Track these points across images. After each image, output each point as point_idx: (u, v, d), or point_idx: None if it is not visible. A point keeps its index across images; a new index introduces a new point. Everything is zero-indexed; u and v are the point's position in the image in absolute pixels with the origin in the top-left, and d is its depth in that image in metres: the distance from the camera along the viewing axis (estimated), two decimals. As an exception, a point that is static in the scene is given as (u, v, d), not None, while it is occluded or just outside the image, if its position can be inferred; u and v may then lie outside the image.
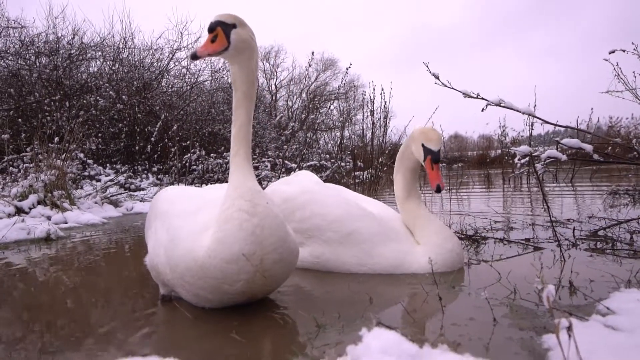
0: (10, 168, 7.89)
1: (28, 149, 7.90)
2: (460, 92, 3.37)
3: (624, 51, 4.74)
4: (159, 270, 2.29)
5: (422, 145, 2.72)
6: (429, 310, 2.04)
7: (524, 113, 3.18)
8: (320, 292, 2.57)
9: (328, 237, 2.87)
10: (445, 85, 3.54)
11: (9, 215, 5.72)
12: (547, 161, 2.79)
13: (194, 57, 2.06)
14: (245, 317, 2.09)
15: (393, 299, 2.26)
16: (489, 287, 2.31)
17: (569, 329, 1.36)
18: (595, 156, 2.75)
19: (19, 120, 10.42)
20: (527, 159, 3.00)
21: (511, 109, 3.23)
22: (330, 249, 2.88)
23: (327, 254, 2.89)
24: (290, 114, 19.70)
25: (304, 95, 24.56)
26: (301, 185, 3.10)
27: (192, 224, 2.15)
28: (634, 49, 4.84)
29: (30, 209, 6.01)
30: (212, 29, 2.06)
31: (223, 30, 2.04)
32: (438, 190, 2.66)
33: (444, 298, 2.16)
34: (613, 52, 4.81)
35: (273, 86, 28.00)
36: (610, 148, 7.09)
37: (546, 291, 1.43)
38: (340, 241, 2.83)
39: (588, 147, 2.75)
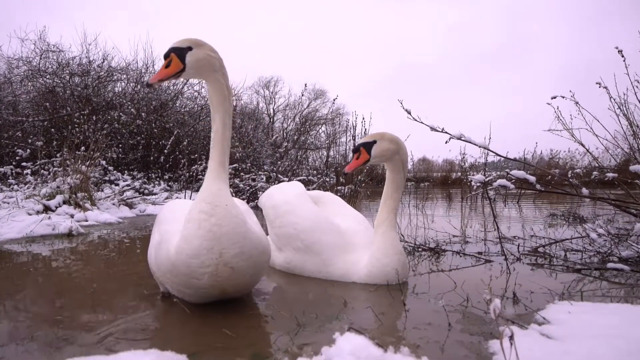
0: (42, 171, 7.73)
1: (58, 155, 7.76)
2: (428, 126, 3.39)
3: (563, 97, 4.85)
4: (152, 270, 2.26)
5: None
6: (394, 314, 2.02)
7: (480, 147, 3.21)
8: (301, 295, 2.52)
9: (297, 245, 2.83)
10: (415, 120, 3.56)
11: (38, 212, 5.58)
12: (497, 189, 2.81)
13: (148, 85, 2.01)
14: (235, 315, 2.05)
15: (364, 302, 2.24)
16: (446, 294, 2.31)
17: (511, 337, 1.36)
18: (538, 186, 2.78)
19: (52, 130, 10.24)
20: (481, 185, 3.02)
21: (469, 142, 3.25)
22: (298, 256, 2.84)
23: (295, 260, 2.86)
24: (284, 134, 19.68)
25: (297, 119, 24.61)
26: (285, 196, 3.05)
27: (174, 228, 2.10)
28: (572, 96, 4.96)
29: (56, 207, 5.86)
30: (166, 56, 2.00)
31: (177, 55, 1.99)
32: (344, 174, 2.63)
33: (407, 303, 2.15)
34: (555, 97, 4.90)
35: (271, 110, 28.04)
36: (549, 177, 7.19)
37: (493, 304, 1.42)
38: (305, 250, 2.79)
39: (532, 179, 2.78)
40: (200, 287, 1.96)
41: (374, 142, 2.53)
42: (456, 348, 1.60)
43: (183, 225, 1.98)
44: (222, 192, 2.00)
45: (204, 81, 2.19)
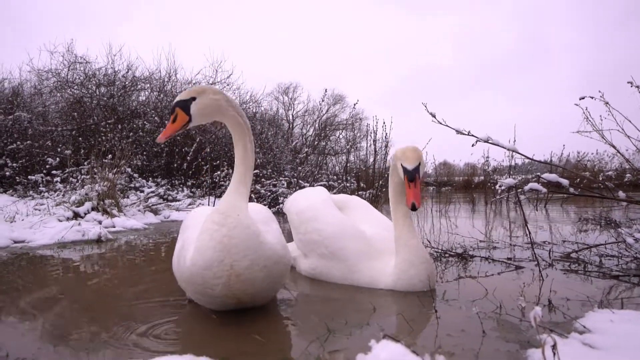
0: (71, 178, 7.96)
1: (86, 163, 7.98)
2: (454, 129, 3.33)
3: (592, 98, 4.70)
4: (175, 276, 2.28)
5: (401, 164, 2.42)
6: (425, 321, 1.97)
7: (508, 149, 3.13)
8: (329, 300, 2.49)
9: (322, 252, 2.80)
10: (441, 123, 3.50)
11: (68, 219, 5.74)
12: (528, 192, 2.73)
13: (157, 143, 2.06)
14: (263, 320, 2.04)
15: (394, 308, 2.20)
16: (477, 301, 2.25)
17: (554, 347, 1.31)
18: (571, 189, 2.69)
19: (80, 138, 10.56)
20: (510, 189, 2.95)
21: (497, 145, 3.18)
22: (323, 262, 2.82)
23: (320, 267, 2.84)
24: (304, 140, 19.75)
25: (316, 124, 24.68)
26: (309, 202, 3.03)
27: (194, 236, 2.12)
28: (601, 96, 4.81)
29: (85, 214, 6.02)
30: (171, 111, 2.07)
31: (182, 108, 2.05)
32: (413, 208, 2.31)
33: (438, 310, 2.10)
34: (583, 98, 4.75)
35: (290, 116, 28.19)
36: (579, 180, 6.98)
37: (533, 311, 1.37)
38: (330, 257, 2.76)
39: (564, 182, 2.69)
40: (215, 297, 1.97)
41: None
42: (492, 356, 1.55)
43: (197, 236, 2.01)
44: (237, 204, 2.02)
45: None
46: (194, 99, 2.06)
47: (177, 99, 2.07)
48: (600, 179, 6.18)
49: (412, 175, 2.37)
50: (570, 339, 1.61)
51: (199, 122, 2.12)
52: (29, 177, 8.73)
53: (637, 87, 4.34)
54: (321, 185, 10.34)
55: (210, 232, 1.93)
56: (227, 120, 2.15)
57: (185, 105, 2.05)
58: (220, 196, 9.53)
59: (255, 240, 1.95)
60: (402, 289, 2.48)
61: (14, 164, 9.41)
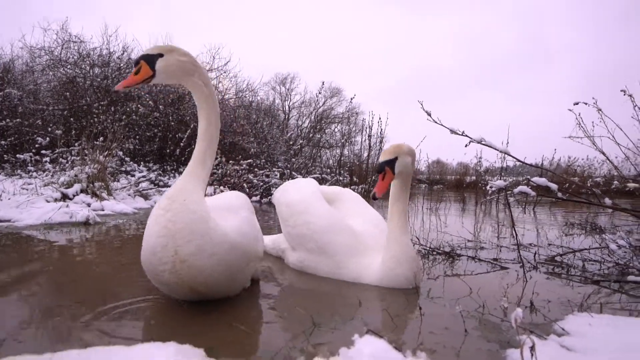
0: (60, 159, 7.87)
1: (76, 144, 7.90)
2: (448, 129, 3.35)
3: (586, 104, 4.75)
4: None
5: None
6: (410, 317, 2.00)
7: (501, 152, 3.16)
8: (316, 293, 2.51)
9: (310, 246, 2.81)
10: (436, 122, 3.52)
11: (56, 200, 5.68)
12: (517, 195, 2.77)
13: (114, 91, 2.02)
14: (249, 310, 2.06)
15: (379, 304, 2.23)
16: (461, 300, 2.28)
17: (532, 348, 1.34)
18: (559, 194, 2.73)
19: (71, 119, 10.42)
20: (500, 190, 2.98)
21: (490, 146, 3.21)
22: (311, 256, 2.83)
23: (308, 260, 2.85)
24: (299, 131, 19.69)
25: (312, 116, 24.62)
26: (300, 194, 3.02)
27: None
28: (594, 103, 4.86)
29: (74, 196, 5.96)
30: (136, 63, 2.01)
31: (147, 62, 1.99)
32: (373, 197, 2.39)
33: (423, 307, 2.13)
34: (577, 103, 4.81)
35: (287, 107, 28.06)
36: (567, 185, 7.07)
37: (514, 313, 1.40)
38: (318, 251, 2.77)
39: (553, 186, 2.73)
40: (167, 284, 1.92)
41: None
42: (473, 355, 1.58)
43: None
44: (187, 187, 1.95)
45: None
46: (161, 55, 2.00)
47: (145, 52, 2.01)
48: (589, 184, 6.27)
49: (379, 167, 2.50)
50: (549, 341, 1.64)
51: (162, 81, 2.05)
52: (17, 155, 8.62)
53: (630, 95, 4.39)
54: (314, 177, 10.35)
55: (155, 217, 1.89)
56: (191, 86, 2.08)
57: (151, 59, 1.99)
58: (212, 184, 9.50)
59: (202, 225, 1.87)
60: (387, 285, 2.51)
61: (2, 142, 9.28)
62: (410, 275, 2.49)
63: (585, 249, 3.69)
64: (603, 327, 1.78)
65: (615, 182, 6.38)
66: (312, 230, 2.79)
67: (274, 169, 10.34)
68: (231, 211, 2.28)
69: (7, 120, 9.49)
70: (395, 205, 2.62)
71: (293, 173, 10.04)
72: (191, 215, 1.87)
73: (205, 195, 2.29)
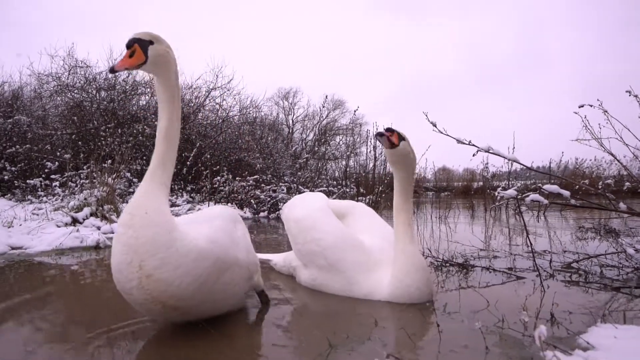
0: (70, 183, 7.93)
1: (85, 167, 7.96)
2: (455, 139, 3.33)
3: (591, 106, 4.71)
4: None
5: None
6: (428, 335, 1.95)
7: (509, 159, 3.13)
8: (330, 313, 2.47)
9: (321, 263, 2.77)
10: (442, 132, 3.50)
11: (66, 225, 5.71)
12: (530, 203, 2.72)
13: (112, 70, 1.90)
14: (261, 333, 2.02)
15: (395, 322, 2.18)
16: (479, 313, 2.23)
17: (559, 366, 1.29)
18: (573, 201, 2.69)
19: (79, 143, 10.53)
20: (514, 200, 2.94)
21: (498, 155, 3.18)
22: (322, 273, 2.79)
23: (320, 278, 2.81)
24: (304, 145, 19.75)
25: (316, 129, 24.70)
26: (308, 209, 2.98)
27: None
28: (600, 105, 4.81)
29: (84, 219, 5.98)
30: (129, 45, 1.93)
31: (140, 47, 1.93)
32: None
33: (440, 323, 2.08)
34: (582, 106, 4.76)
35: (290, 121, 28.19)
36: (578, 188, 6.98)
37: (538, 330, 1.36)
38: (328, 268, 2.73)
39: (566, 193, 2.68)
40: (140, 304, 1.83)
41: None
42: (496, 374, 1.53)
43: None
44: (146, 197, 1.85)
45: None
46: (151, 42, 1.95)
47: (136, 35, 1.94)
48: (600, 186, 6.18)
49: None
50: (575, 356, 1.59)
51: (149, 70, 1.98)
52: (28, 181, 8.69)
53: (636, 96, 4.35)
54: (321, 190, 10.33)
55: (117, 235, 1.83)
56: (165, 80, 2.01)
57: (144, 45, 1.93)
58: (219, 201, 9.51)
59: (165, 237, 1.78)
60: (399, 299, 2.46)
61: (13, 168, 9.38)
62: (421, 284, 2.44)
63: (602, 254, 3.61)
64: (629, 339, 1.72)
65: (627, 183, 6.29)
66: (322, 247, 2.76)
67: (280, 183, 10.34)
68: (205, 221, 2.19)
69: (17, 146, 9.61)
70: (399, 216, 2.59)
71: (300, 187, 10.03)
72: (154, 227, 1.78)
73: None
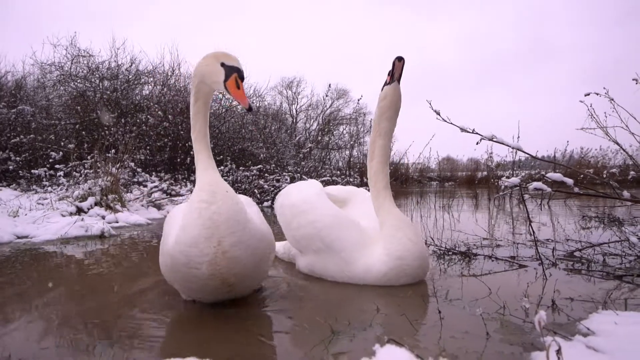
0: (74, 172, 7.98)
1: (89, 157, 7.99)
2: (458, 127, 3.31)
3: (597, 94, 4.66)
4: (161, 269, 2.20)
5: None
6: (429, 322, 1.97)
7: (513, 148, 3.12)
8: (331, 299, 2.49)
9: (317, 246, 2.78)
10: (445, 121, 3.48)
11: (71, 214, 5.76)
12: (533, 191, 2.72)
13: (250, 109, 2.02)
14: (265, 320, 2.05)
15: (397, 308, 2.19)
16: (481, 301, 2.24)
17: (558, 351, 1.30)
18: (576, 189, 2.68)
19: (83, 132, 10.56)
20: (517, 188, 2.93)
21: (502, 143, 3.16)
22: (318, 258, 2.81)
23: (317, 263, 2.83)
24: (307, 134, 19.69)
25: (320, 119, 24.61)
26: (303, 195, 3.01)
27: (176, 224, 2.08)
28: (605, 93, 4.76)
29: (88, 209, 6.04)
30: (238, 77, 2.03)
31: (241, 79, 2.06)
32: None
33: (441, 310, 2.09)
34: (588, 94, 4.72)
35: (294, 110, 28.10)
36: (582, 177, 6.95)
37: (538, 316, 1.36)
38: (325, 250, 2.74)
39: (569, 181, 2.68)
40: (200, 278, 1.92)
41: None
42: (496, 359, 1.55)
43: (182, 217, 1.99)
44: (219, 180, 2.03)
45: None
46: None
47: (240, 67, 2.03)
48: (605, 175, 6.15)
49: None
50: (575, 342, 1.60)
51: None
52: (32, 171, 8.75)
53: (643, 83, 4.29)
54: (324, 180, 10.35)
55: (198, 210, 1.89)
56: (210, 94, 2.18)
57: (241, 76, 2.04)
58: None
59: (243, 217, 1.95)
60: (395, 254, 2.52)
61: (17, 158, 9.44)
62: (413, 237, 2.55)
63: (605, 243, 3.61)
64: (630, 325, 1.73)
65: (632, 172, 6.26)
66: (318, 228, 2.77)
67: (284, 173, 10.35)
68: (247, 205, 2.31)
69: (21, 136, 9.66)
70: (381, 180, 2.73)
71: (303, 177, 10.04)
72: (235, 206, 1.93)
73: None
